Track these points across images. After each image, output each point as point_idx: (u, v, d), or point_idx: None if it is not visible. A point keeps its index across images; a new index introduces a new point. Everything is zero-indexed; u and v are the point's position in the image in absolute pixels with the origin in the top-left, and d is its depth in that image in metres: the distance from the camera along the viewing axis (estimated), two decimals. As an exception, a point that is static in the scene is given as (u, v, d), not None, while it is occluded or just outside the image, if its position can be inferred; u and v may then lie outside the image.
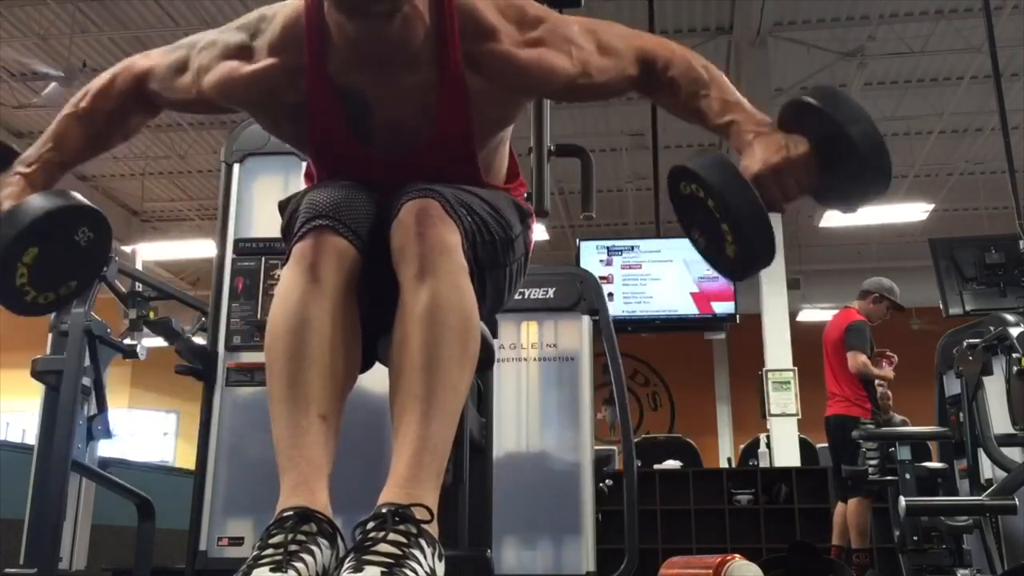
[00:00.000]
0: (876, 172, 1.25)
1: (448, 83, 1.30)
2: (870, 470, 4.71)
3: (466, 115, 1.32)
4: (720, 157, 1.26)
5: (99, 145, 1.46)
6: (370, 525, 1.06)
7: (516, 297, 1.53)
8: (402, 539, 1.04)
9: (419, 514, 1.07)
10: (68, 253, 1.34)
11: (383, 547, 1.03)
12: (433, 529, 1.09)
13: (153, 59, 1.42)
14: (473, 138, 1.35)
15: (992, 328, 3.68)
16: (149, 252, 11.06)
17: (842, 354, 5.03)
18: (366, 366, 1.31)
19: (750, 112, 1.32)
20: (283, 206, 1.39)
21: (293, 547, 1.06)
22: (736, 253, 1.24)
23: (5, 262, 1.28)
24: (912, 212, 10.55)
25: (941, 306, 4.26)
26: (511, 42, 1.30)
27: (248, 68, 1.32)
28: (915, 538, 3.70)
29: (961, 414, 3.91)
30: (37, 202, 1.32)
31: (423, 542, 1.06)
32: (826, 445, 5.44)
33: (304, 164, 1.51)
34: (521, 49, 1.30)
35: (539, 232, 9.49)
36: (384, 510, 1.07)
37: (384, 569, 1.01)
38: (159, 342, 3.65)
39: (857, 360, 4.98)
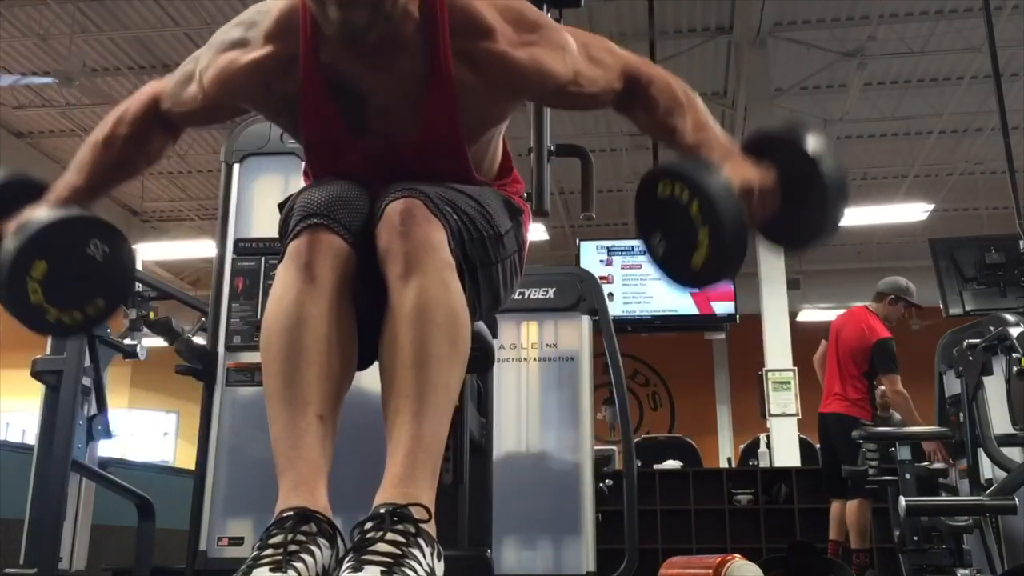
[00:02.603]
0: (833, 214, 1.30)
1: (436, 78, 1.30)
2: (870, 471, 4.73)
3: (454, 110, 1.32)
4: (708, 162, 1.26)
5: (123, 171, 1.46)
6: (368, 525, 1.06)
7: (516, 297, 1.53)
8: (401, 539, 1.04)
9: (417, 513, 1.07)
10: (84, 268, 1.31)
11: (382, 547, 1.03)
12: (431, 528, 1.09)
13: (164, 81, 1.44)
14: (460, 133, 1.35)
15: (992, 328, 3.68)
16: (149, 252, 11.05)
17: (858, 359, 4.99)
18: (364, 364, 1.31)
19: (720, 137, 1.36)
20: (282, 206, 1.39)
21: (293, 547, 1.06)
22: (705, 260, 1.23)
23: (12, 278, 1.25)
24: (912, 212, 10.55)
25: (941, 306, 4.26)
26: (507, 42, 1.31)
27: (245, 58, 1.33)
28: (915, 538, 3.70)
29: (961, 414, 3.90)
30: (38, 215, 1.31)
31: (422, 541, 1.06)
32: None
33: (303, 164, 1.51)
34: (517, 50, 1.31)
35: (539, 232, 9.49)
36: (382, 510, 1.07)
37: (384, 568, 1.01)
38: (159, 342, 3.65)
39: (892, 385, 4.89)
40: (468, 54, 1.30)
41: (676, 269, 1.30)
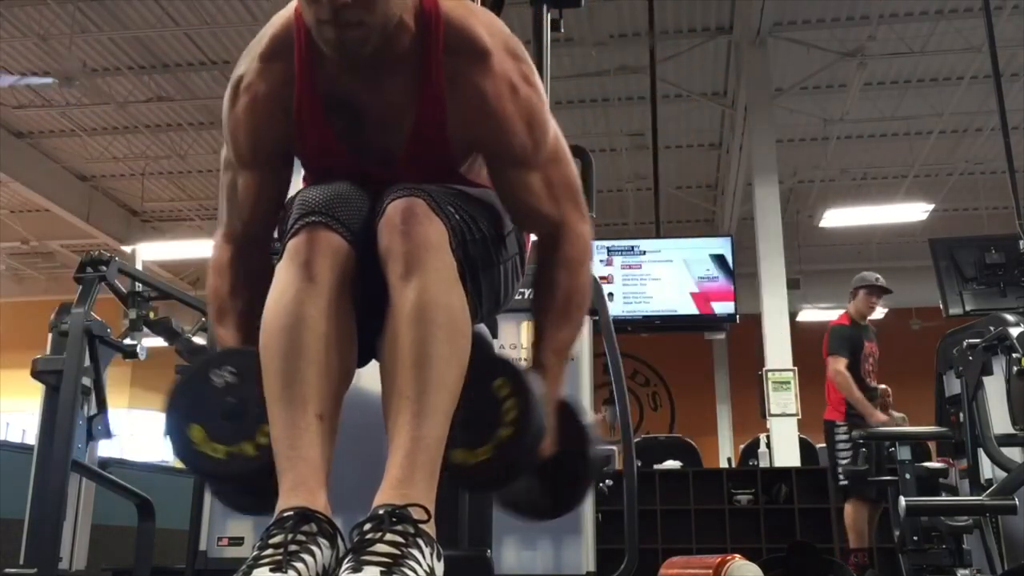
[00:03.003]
0: (568, 502, 1.35)
1: (428, 92, 1.29)
2: (839, 469, 4.89)
3: (442, 128, 1.30)
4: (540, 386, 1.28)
5: (254, 295, 1.35)
6: (367, 526, 1.06)
7: (516, 297, 1.53)
8: (400, 539, 1.04)
9: (416, 514, 1.07)
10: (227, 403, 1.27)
11: (381, 547, 1.03)
12: (431, 529, 1.09)
13: (222, 222, 1.42)
14: (450, 150, 1.33)
15: (992, 328, 3.68)
16: (149, 252, 11.05)
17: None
18: (362, 362, 1.30)
19: (561, 354, 1.37)
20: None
21: (293, 547, 1.06)
22: (504, 442, 1.22)
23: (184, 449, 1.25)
24: (912, 212, 10.56)
25: (941, 306, 4.26)
26: (500, 77, 1.28)
27: (250, 92, 1.32)
28: (915, 538, 3.70)
29: (961, 414, 3.90)
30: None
31: (421, 542, 1.06)
32: (824, 445, 5.47)
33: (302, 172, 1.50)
34: (502, 91, 1.28)
35: (539, 232, 9.47)
36: (381, 511, 1.07)
37: (383, 569, 1.01)
38: (159, 342, 3.65)
39: (831, 366, 5.05)
40: (456, 73, 1.28)
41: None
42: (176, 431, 1.25)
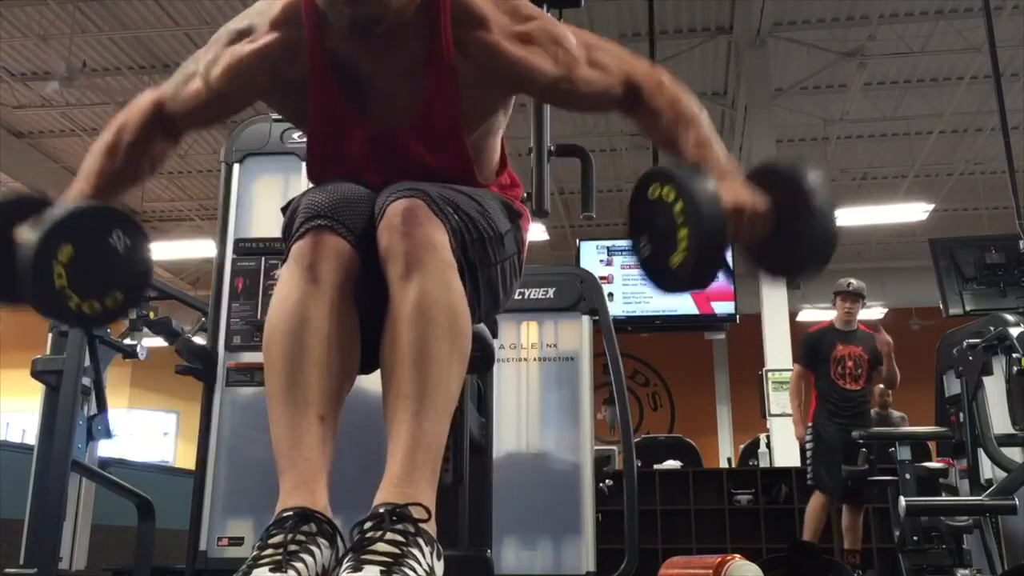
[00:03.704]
0: (821, 249, 1.30)
1: (436, 62, 1.32)
2: (808, 471, 5.01)
3: (453, 95, 1.34)
4: (701, 170, 1.28)
5: (128, 178, 1.46)
6: (367, 525, 1.06)
7: (516, 297, 1.53)
8: (400, 538, 1.04)
9: (416, 513, 1.07)
10: (107, 258, 1.31)
11: (381, 546, 1.03)
12: (431, 528, 1.09)
13: (163, 86, 1.45)
14: (459, 118, 1.36)
15: (992, 328, 3.68)
16: (149, 252, 11.03)
17: None
18: (368, 366, 1.31)
19: (722, 155, 1.36)
20: (285, 210, 1.40)
21: (293, 547, 1.06)
22: (682, 261, 1.23)
23: (39, 259, 1.25)
24: (912, 212, 10.55)
25: (941, 306, 4.26)
26: (500, 33, 1.33)
27: (252, 45, 1.34)
28: (915, 538, 3.71)
29: (961, 414, 3.91)
30: (65, 203, 1.34)
31: (421, 541, 1.06)
32: None
33: (304, 164, 1.51)
34: (509, 42, 1.33)
35: (539, 232, 9.48)
36: (381, 510, 1.07)
37: (383, 568, 1.01)
38: (159, 342, 3.65)
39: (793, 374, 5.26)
40: (462, 42, 1.32)
41: (655, 269, 1.31)
42: (44, 263, 1.26)
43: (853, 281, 5.20)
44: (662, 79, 1.40)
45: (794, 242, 1.30)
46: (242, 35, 1.36)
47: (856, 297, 5.14)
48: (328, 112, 1.37)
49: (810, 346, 5.16)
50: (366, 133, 1.37)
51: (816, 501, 4.97)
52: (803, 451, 5.21)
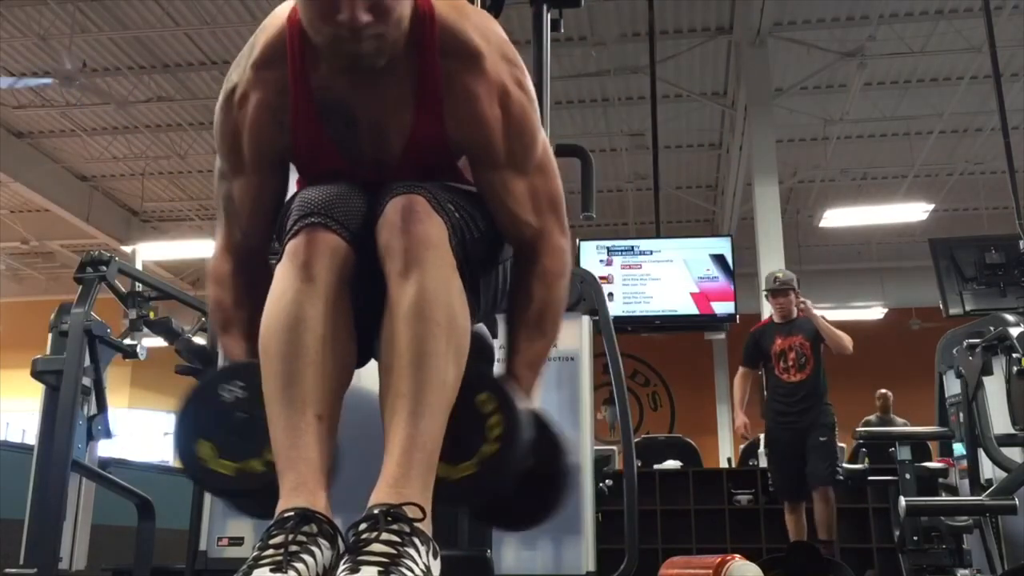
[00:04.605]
0: (544, 513, 1.32)
1: (425, 94, 1.29)
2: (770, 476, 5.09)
3: (441, 129, 1.30)
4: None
5: (253, 300, 1.35)
6: (362, 526, 1.06)
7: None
8: (395, 538, 1.04)
9: (411, 513, 1.07)
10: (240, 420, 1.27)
11: (377, 547, 1.03)
12: (426, 527, 1.09)
13: (219, 234, 1.42)
14: (449, 147, 1.33)
15: (992, 328, 3.68)
16: (149, 252, 11.05)
17: None
18: (361, 362, 1.30)
19: (534, 367, 1.36)
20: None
21: (293, 548, 1.06)
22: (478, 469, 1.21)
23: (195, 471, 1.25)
24: (912, 212, 10.55)
25: (941, 306, 4.26)
26: (492, 74, 1.28)
27: (244, 102, 1.31)
28: (915, 538, 3.71)
29: (961, 414, 3.91)
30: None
31: (417, 541, 1.06)
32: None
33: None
34: (489, 99, 1.28)
35: (539, 232, 9.46)
36: (376, 511, 1.07)
37: (380, 568, 1.01)
38: (159, 342, 3.65)
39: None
40: (449, 75, 1.28)
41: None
42: (186, 447, 1.24)
43: (779, 275, 5.20)
44: (561, 255, 1.37)
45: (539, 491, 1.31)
46: (232, 94, 1.32)
47: (785, 291, 5.11)
48: (313, 153, 1.34)
49: (750, 346, 5.21)
50: (354, 172, 1.34)
51: (785, 506, 4.98)
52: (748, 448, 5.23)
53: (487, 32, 1.31)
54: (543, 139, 1.37)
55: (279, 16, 1.31)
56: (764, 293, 5.31)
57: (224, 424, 1.25)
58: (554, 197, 1.37)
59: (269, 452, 1.19)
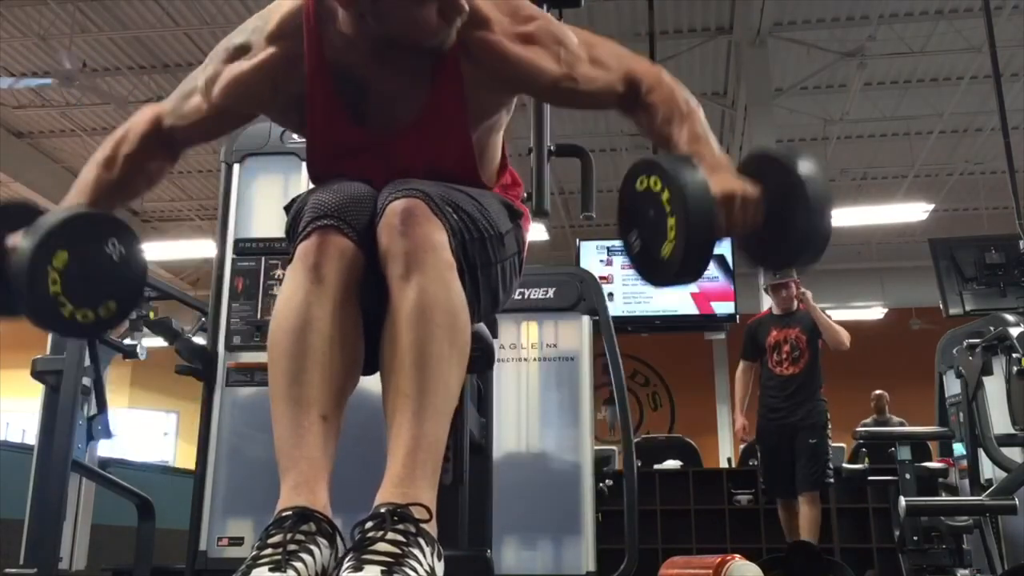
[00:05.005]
0: (815, 237, 1.27)
1: (441, 65, 1.33)
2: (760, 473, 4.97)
3: (460, 98, 1.34)
4: (689, 160, 1.27)
5: (124, 192, 1.46)
6: (368, 525, 1.06)
7: (516, 297, 1.53)
8: (401, 538, 1.04)
9: (417, 513, 1.07)
10: (101, 266, 1.31)
11: (382, 546, 1.03)
12: (432, 528, 1.09)
13: (162, 103, 1.46)
14: (466, 120, 1.37)
15: (992, 328, 3.68)
16: (149, 252, 10.93)
17: None
18: (372, 367, 1.31)
19: (714, 149, 1.34)
20: (288, 208, 1.40)
21: (292, 547, 1.06)
22: (671, 251, 1.22)
23: (34, 265, 1.24)
24: (912, 212, 10.55)
25: (941, 306, 4.26)
26: (503, 33, 1.34)
27: (251, 62, 1.35)
28: (915, 538, 3.71)
29: (961, 414, 3.91)
30: (61, 209, 1.33)
31: (422, 541, 1.06)
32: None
33: (304, 164, 1.51)
34: (511, 43, 1.34)
35: (539, 232, 9.47)
36: (382, 510, 1.07)
37: (384, 568, 1.01)
38: (159, 342, 3.65)
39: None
40: (465, 43, 1.32)
41: (646, 261, 1.29)
42: (39, 268, 1.24)
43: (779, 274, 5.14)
44: (661, 76, 1.41)
45: (786, 231, 1.27)
46: (239, 52, 1.36)
47: (786, 283, 5.00)
48: (329, 121, 1.37)
49: (748, 337, 5.13)
50: (368, 139, 1.37)
51: (778, 503, 4.95)
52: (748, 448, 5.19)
53: None
54: (572, 31, 1.40)
55: None
56: (764, 288, 5.27)
57: (88, 271, 1.29)
58: (617, 50, 1.42)
59: (104, 309, 1.32)
